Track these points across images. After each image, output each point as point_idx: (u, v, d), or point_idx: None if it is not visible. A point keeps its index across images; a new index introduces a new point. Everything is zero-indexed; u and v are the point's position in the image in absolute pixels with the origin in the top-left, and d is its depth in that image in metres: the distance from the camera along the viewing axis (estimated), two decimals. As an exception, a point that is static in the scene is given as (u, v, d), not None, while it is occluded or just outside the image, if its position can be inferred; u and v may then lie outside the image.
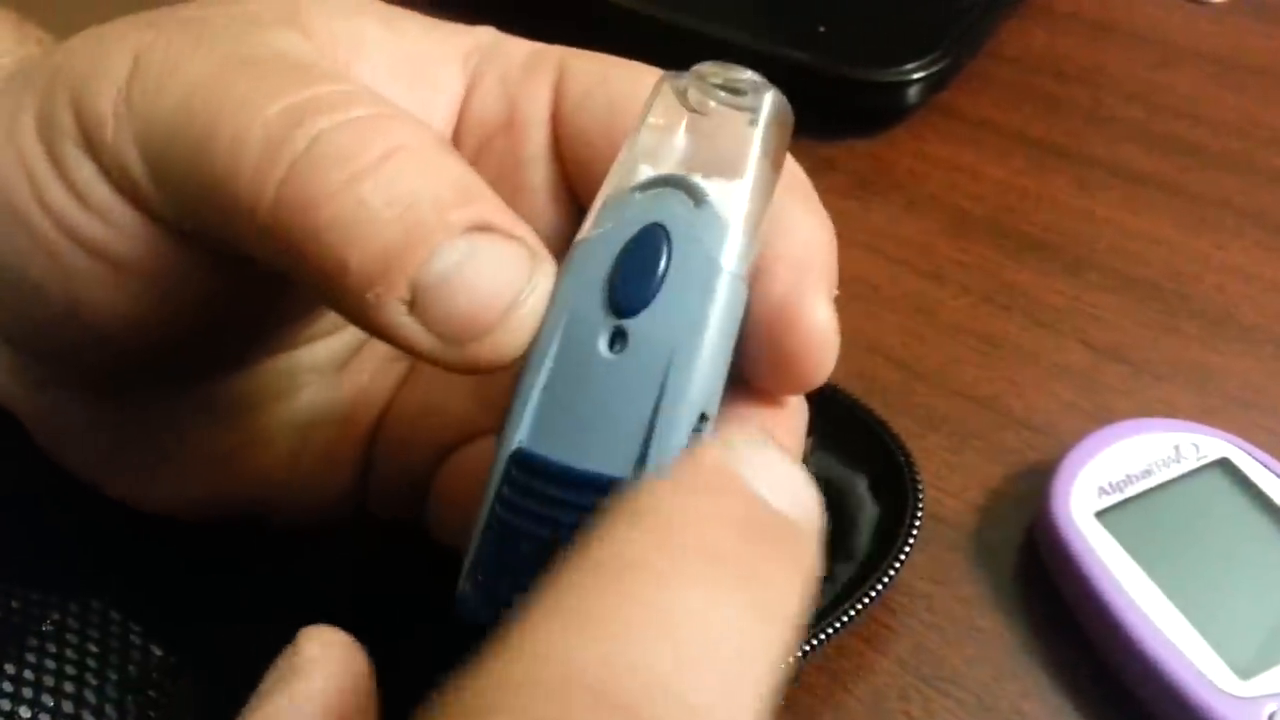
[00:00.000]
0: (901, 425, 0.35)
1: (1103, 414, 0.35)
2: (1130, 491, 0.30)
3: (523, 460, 0.18)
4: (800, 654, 0.28)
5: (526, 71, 0.23)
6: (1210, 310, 0.38)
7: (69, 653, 0.25)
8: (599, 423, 0.18)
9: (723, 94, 0.20)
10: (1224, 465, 0.30)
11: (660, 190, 0.19)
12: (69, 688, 0.24)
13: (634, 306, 0.18)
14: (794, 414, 0.21)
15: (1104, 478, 0.30)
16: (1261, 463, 0.30)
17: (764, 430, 0.19)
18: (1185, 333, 0.38)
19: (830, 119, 0.46)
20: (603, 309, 0.18)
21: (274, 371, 0.26)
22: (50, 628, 0.25)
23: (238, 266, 0.21)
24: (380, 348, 0.27)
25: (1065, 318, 0.38)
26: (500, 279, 0.18)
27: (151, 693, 0.25)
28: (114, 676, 0.25)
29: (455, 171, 0.19)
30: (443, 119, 0.23)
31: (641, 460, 0.18)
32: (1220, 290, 0.39)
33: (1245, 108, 0.47)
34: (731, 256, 0.18)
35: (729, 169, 0.19)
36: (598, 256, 0.19)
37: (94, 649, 0.25)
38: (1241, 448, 0.31)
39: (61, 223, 0.20)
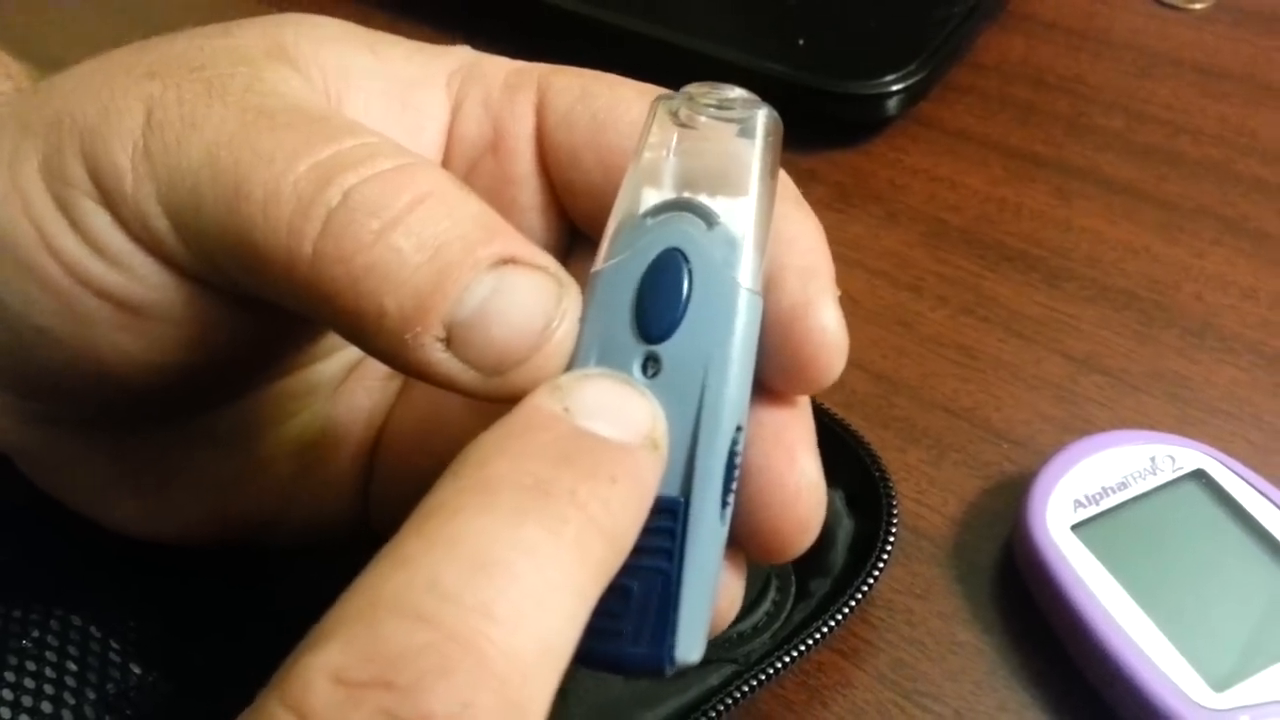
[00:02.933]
0: (881, 438, 0.35)
1: (1081, 425, 0.35)
2: (1106, 504, 0.30)
3: None
4: (775, 669, 0.28)
5: (508, 91, 0.23)
6: (1188, 320, 0.39)
7: (48, 670, 0.25)
8: None
9: (716, 112, 0.20)
10: (1200, 477, 0.30)
11: (671, 214, 0.19)
12: (47, 706, 0.24)
13: (663, 331, 0.19)
14: (805, 412, 0.22)
15: (1080, 491, 0.30)
16: (1238, 474, 0.30)
17: (780, 430, 0.21)
18: (1163, 342, 0.38)
19: (810, 131, 0.46)
20: (633, 336, 0.19)
21: (272, 396, 0.26)
22: (30, 644, 0.25)
23: (254, 308, 0.21)
24: (373, 367, 0.27)
25: (1043, 329, 0.38)
26: (531, 307, 0.18)
27: (129, 711, 0.25)
28: (92, 695, 0.25)
29: (477, 210, 0.19)
30: (432, 143, 0.23)
31: (689, 478, 0.19)
32: (1199, 299, 0.39)
33: (1225, 115, 0.48)
34: (747, 273, 0.19)
35: (733, 186, 0.20)
36: (619, 285, 0.19)
37: (73, 666, 0.25)
38: (1218, 459, 0.31)
39: (74, 271, 0.20)
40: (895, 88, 0.46)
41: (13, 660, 0.24)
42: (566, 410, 0.17)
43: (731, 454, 0.19)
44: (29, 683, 0.24)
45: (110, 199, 0.20)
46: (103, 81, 0.21)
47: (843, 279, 0.39)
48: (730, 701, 0.27)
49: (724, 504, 0.19)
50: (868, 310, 0.40)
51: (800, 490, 0.20)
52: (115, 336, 0.21)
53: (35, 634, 0.25)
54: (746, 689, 0.27)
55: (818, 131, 0.46)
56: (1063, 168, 0.45)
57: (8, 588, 0.26)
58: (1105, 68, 0.51)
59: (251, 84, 0.20)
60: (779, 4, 0.52)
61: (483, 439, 0.17)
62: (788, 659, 0.28)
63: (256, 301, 0.20)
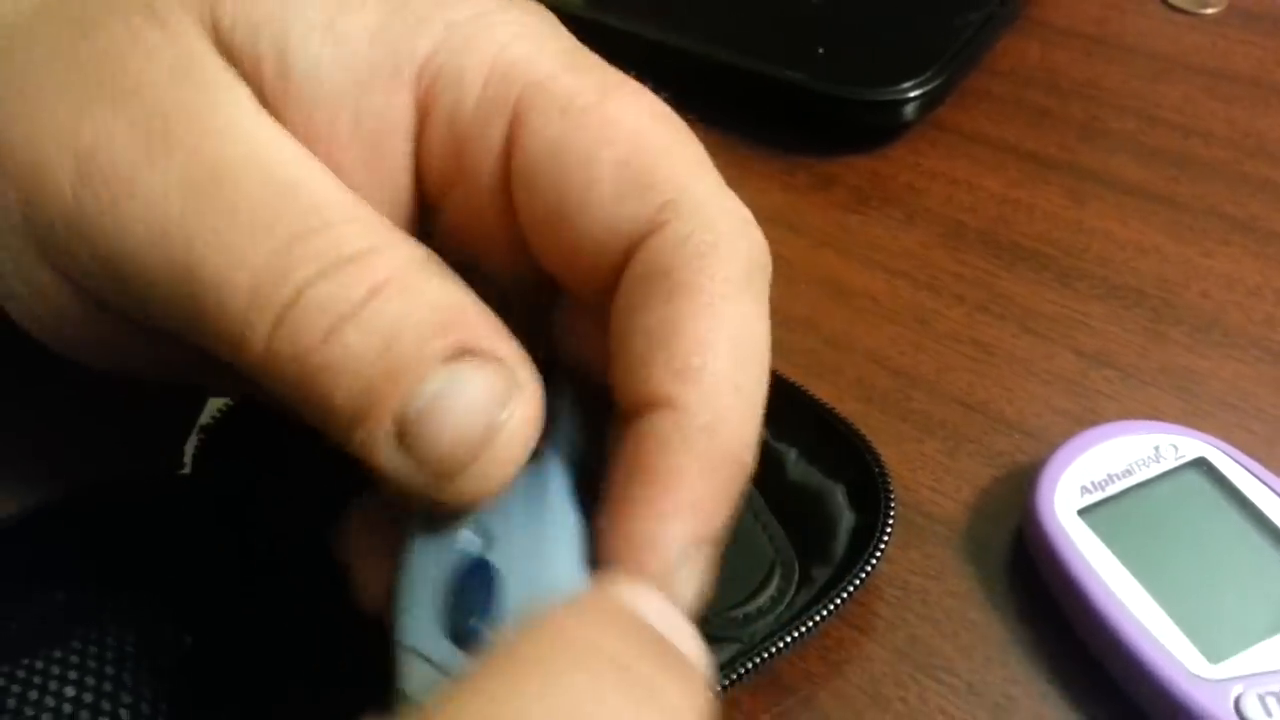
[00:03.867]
0: (899, 430, 0.37)
1: (1090, 418, 0.37)
2: (1111, 490, 0.31)
3: None
4: (777, 649, 0.29)
5: (481, 110, 0.20)
6: (1196, 316, 0.40)
7: (110, 639, 0.27)
8: None
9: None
10: (1201, 464, 0.32)
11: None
12: (110, 670, 0.27)
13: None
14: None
15: (1087, 477, 0.32)
16: (1237, 461, 0.32)
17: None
18: (1171, 338, 0.39)
19: (830, 136, 0.48)
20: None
21: None
22: (94, 618, 0.27)
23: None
24: None
25: (1056, 326, 0.40)
26: (478, 404, 0.18)
27: (183, 678, 0.28)
28: (148, 662, 0.27)
29: (437, 295, 0.18)
30: (399, 165, 0.20)
31: None
32: (1206, 296, 0.41)
33: (1234, 118, 0.49)
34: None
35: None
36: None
37: (132, 637, 0.27)
38: (1218, 447, 0.32)
39: None
40: (913, 94, 0.47)
41: (79, 630, 0.27)
42: (643, 614, 0.17)
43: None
44: (94, 650, 0.27)
45: (47, 251, 0.19)
46: (32, 114, 0.19)
47: (863, 279, 0.41)
48: (735, 676, 0.29)
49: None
50: (887, 309, 0.41)
51: None
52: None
53: (96, 607, 0.28)
54: (750, 666, 0.29)
55: (838, 137, 0.48)
56: (1076, 170, 0.47)
57: (72, 572, 0.28)
58: (1118, 72, 0.52)
59: (200, 125, 0.18)
60: (799, 13, 0.54)
61: (550, 610, 0.16)
62: (790, 639, 0.30)
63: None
